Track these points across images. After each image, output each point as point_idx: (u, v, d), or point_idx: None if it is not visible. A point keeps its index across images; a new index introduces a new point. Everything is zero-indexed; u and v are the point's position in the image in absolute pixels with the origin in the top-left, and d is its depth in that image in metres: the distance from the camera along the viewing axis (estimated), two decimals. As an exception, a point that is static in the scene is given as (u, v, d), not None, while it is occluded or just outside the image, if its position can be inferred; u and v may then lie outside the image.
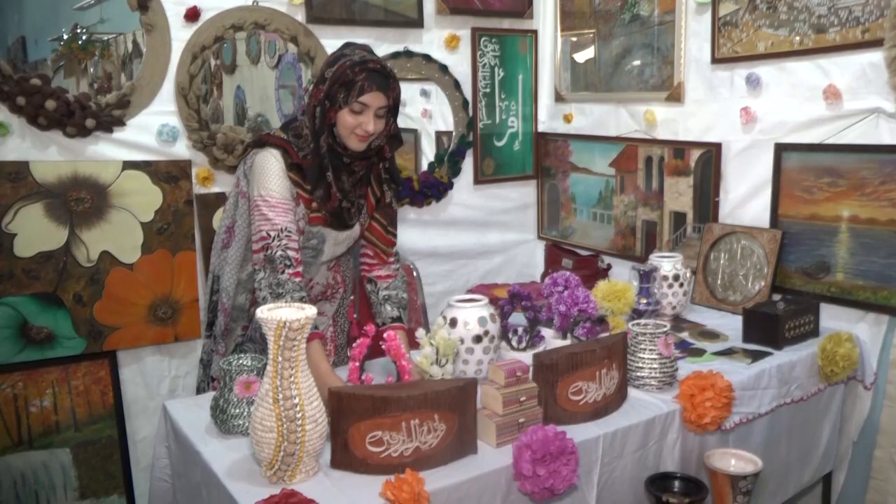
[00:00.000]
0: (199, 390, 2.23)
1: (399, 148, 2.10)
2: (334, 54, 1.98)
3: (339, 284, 2.21)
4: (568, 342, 2.00)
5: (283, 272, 1.87)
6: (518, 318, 2.04)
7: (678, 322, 2.48)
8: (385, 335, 1.74)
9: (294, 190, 1.95)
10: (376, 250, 2.18)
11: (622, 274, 3.03)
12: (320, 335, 1.95)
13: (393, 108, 1.96)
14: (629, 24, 3.04)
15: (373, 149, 1.99)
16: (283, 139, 1.96)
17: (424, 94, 3.34)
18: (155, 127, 2.63)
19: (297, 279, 1.88)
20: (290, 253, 1.88)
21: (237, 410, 1.66)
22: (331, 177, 1.95)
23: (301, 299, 1.85)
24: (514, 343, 1.99)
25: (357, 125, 1.89)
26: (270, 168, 1.93)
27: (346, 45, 2.01)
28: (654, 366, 1.92)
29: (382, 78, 1.89)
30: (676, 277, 2.45)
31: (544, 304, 2.07)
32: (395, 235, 2.19)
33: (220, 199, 2.77)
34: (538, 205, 3.62)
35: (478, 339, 1.86)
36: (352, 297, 2.30)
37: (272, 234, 1.88)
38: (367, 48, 1.99)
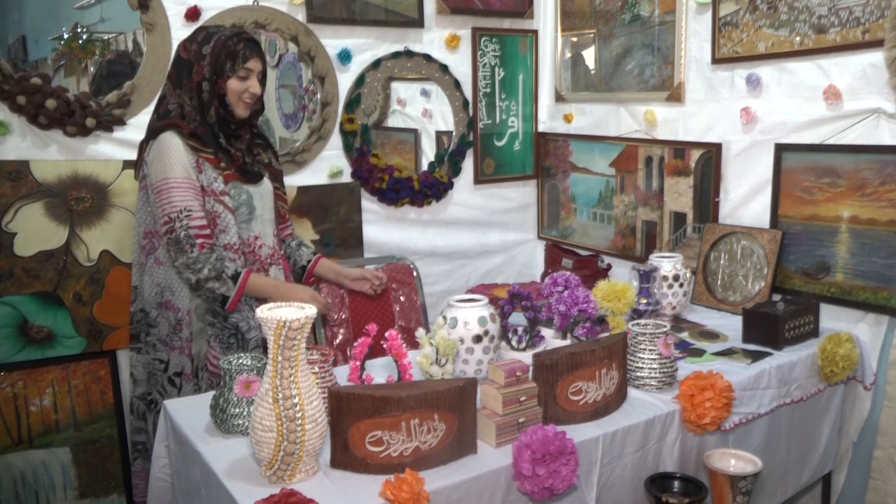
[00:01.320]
0: (133, 409, 2.25)
1: (262, 114, 2.29)
2: (199, 35, 2.14)
3: (279, 249, 2.35)
4: (568, 342, 2.00)
5: (191, 251, 2.01)
6: (518, 318, 2.04)
7: (678, 322, 2.48)
8: (387, 334, 1.75)
9: (193, 160, 2.07)
10: (282, 209, 2.38)
11: (622, 274, 3.03)
12: (250, 271, 2.10)
13: (265, 74, 2.20)
14: (629, 24, 3.04)
15: (252, 115, 2.20)
16: (168, 120, 2.10)
17: (425, 93, 3.34)
18: (155, 126, 2.63)
19: (206, 250, 2.03)
20: (192, 231, 2.02)
21: (237, 410, 1.66)
22: (224, 142, 2.14)
23: (219, 258, 2.04)
24: (513, 343, 1.99)
25: (244, 90, 2.11)
26: (167, 149, 2.05)
27: (200, 28, 2.22)
28: (654, 366, 1.93)
29: (256, 45, 2.14)
30: (676, 278, 2.45)
31: (544, 304, 2.07)
32: (283, 191, 2.39)
33: (221, 198, 2.77)
34: (538, 205, 3.62)
35: (478, 338, 1.86)
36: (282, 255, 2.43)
37: (173, 215, 2.02)
38: (221, 25, 2.23)
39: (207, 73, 2.07)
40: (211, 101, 2.09)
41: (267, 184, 2.28)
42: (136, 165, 2.23)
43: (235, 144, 2.18)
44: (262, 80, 2.18)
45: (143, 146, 2.16)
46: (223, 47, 2.08)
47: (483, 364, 1.88)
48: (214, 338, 2.14)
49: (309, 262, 2.44)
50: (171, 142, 2.06)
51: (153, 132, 2.11)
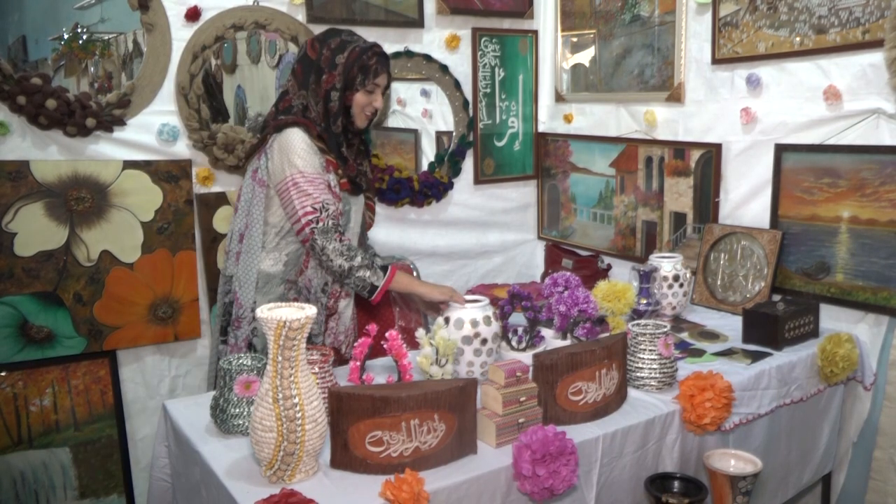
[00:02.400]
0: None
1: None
2: (332, 40, 2.14)
3: None
4: (568, 342, 2.00)
5: (340, 240, 2.03)
6: (518, 319, 2.04)
7: (678, 322, 2.48)
8: (387, 335, 1.75)
9: (322, 160, 2.10)
10: (370, 219, 2.40)
11: (622, 274, 3.03)
12: (405, 266, 2.14)
13: (388, 88, 2.23)
14: (629, 24, 3.04)
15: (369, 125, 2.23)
16: (297, 117, 2.11)
17: (425, 94, 3.34)
18: (155, 126, 2.63)
19: (351, 242, 2.08)
20: (339, 220, 2.07)
21: (237, 410, 1.66)
22: (346, 151, 2.17)
23: (369, 253, 2.16)
24: (513, 343, 1.99)
25: (369, 103, 2.14)
26: (298, 144, 2.05)
27: (333, 30, 2.17)
28: (654, 366, 1.93)
29: (387, 59, 2.18)
30: (676, 278, 2.45)
31: (544, 305, 2.07)
32: (373, 201, 2.41)
33: (221, 198, 2.77)
34: (538, 205, 3.62)
35: (478, 339, 1.86)
36: None
37: (317, 206, 2.02)
38: (353, 32, 2.22)
39: (339, 84, 2.09)
40: (339, 112, 2.11)
41: (362, 196, 2.30)
42: (248, 154, 2.22)
43: (350, 154, 2.20)
44: (385, 94, 2.22)
45: (263, 138, 2.15)
46: (357, 60, 2.09)
47: (483, 364, 1.88)
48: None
49: (385, 271, 2.20)
50: (301, 137, 2.06)
51: (278, 126, 2.09)
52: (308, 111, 2.13)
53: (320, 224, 2.01)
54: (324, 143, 2.11)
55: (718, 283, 2.67)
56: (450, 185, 3.30)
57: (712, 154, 2.73)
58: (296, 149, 2.05)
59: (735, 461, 1.80)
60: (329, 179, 2.10)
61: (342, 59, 2.09)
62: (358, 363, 1.75)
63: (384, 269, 2.07)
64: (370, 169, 2.36)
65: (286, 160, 2.05)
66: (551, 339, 2.04)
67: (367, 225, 2.39)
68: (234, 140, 2.73)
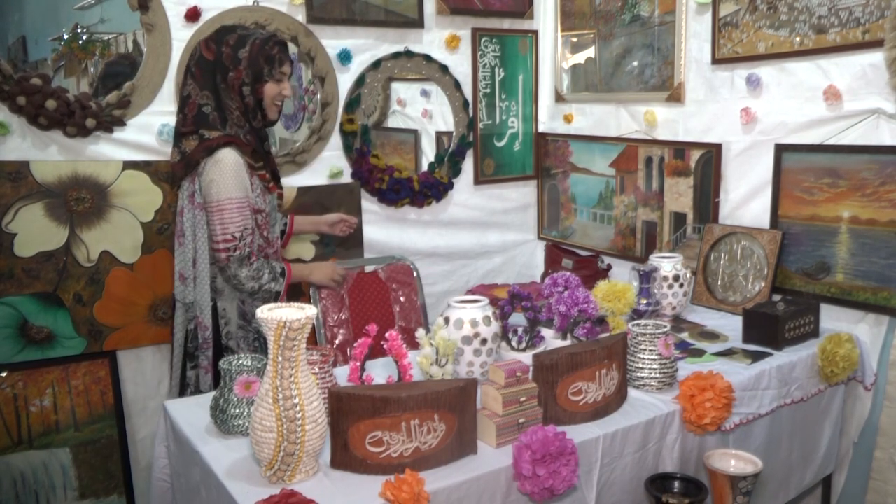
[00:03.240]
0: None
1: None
2: (227, 36, 2.14)
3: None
4: (568, 342, 2.00)
5: (252, 262, 2.15)
6: (518, 319, 2.04)
7: (678, 322, 2.48)
8: (387, 335, 1.75)
9: (248, 179, 2.14)
10: (280, 207, 2.43)
11: (622, 274, 3.03)
12: (287, 262, 2.30)
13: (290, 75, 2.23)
14: (629, 24, 3.04)
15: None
16: (226, 135, 2.12)
17: (425, 94, 3.34)
18: (155, 127, 2.63)
19: (261, 259, 2.19)
20: (254, 248, 2.16)
21: (237, 410, 1.66)
22: (268, 145, 2.25)
23: (268, 263, 2.19)
24: (514, 343, 1.99)
25: (278, 93, 2.16)
26: (230, 169, 2.08)
27: (225, 28, 2.20)
28: (654, 366, 1.92)
29: (286, 48, 2.19)
30: (676, 278, 2.45)
31: (544, 305, 2.07)
32: (280, 188, 2.39)
33: (221, 198, 2.77)
34: (538, 205, 3.62)
35: (478, 339, 1.86)
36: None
37: (237, 234, 2.10)
38: (245, 25, 2.33)
39: (247, 79, 2.10)
40: (256, 107, 2.14)
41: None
42: (180, 177, 2.17)
43: (266, 147, 2.27)
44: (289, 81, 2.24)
45: (194, 159, 2.11)
46: (260, 51, 2.10)
47: (483, 364, 1.87)
48: (242, 340, 2.24)
49: (285, 225, 2.56)
50: (233, 160, 2.09)
51: (209, 148, 2.09)
52: (223, 113, 2.13)
53: (237, 252, 2.10)
54: (253, 156, 2.15)
55: (718, 283, 2.67)
56: (450, 186, 3.30)
57: (712, 154, 2.73)
58: (227, 171, 2.08)
59: (735, 461, 1.80)
60: (251, 197, 2.15)
61: (245, 53, 2.10)
62: (358, 363, 1.75)
63: (282, 272, 2.23)
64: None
65: (216, 183, 2.08)
66: (551, 340, 2.04)
67: (278, 209, 2.41)
68: (233, 140, 2.73)
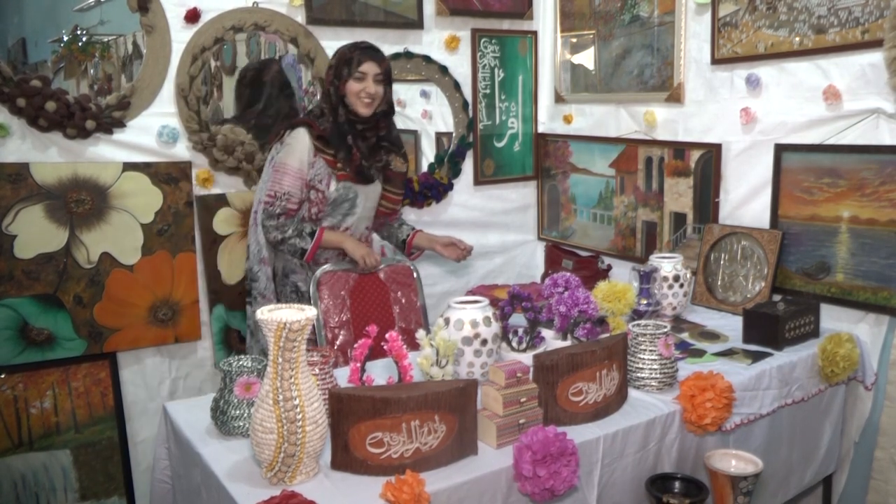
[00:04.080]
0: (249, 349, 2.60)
1: (392, 116, 2.58)
2: (336, 51, 2.52)
3: (367, 241, 2.71)
4: (568, 343, 2.00)
5: (279, 218, 2.42)
6: (518, 319, 2.04)
7: (678, 323, 2.48)
8: (387, 336, 1.75)
9: (312, 157, 2.44)
10: (387, 209, 2.69)
11: (622, 275, 3.02)
12: (323, 228, 2.49)
13: (386, 77, 2.46)
14: (629, 24, 3.04)
15: (377, 114, 2.47)
16: (306, 118, 2.50)
17: (424, 95, 3.34)
18: (155, 128, 2.63)
19: (291, 218, 2.45)
20: (287, 210, 2.43)
21: (237, 412, 1.66)
22: (350, 139, 2.45)
23: (301, 223, 2.44)
24: (514, 344, 1.99)
25: (361, 90, 2.42)
26: (295, 144, 2.44)
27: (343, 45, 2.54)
28: (655, 366, 1.92)
29: (372, 51, 2.47)
30: (677, 278, 2.45)
31: (545, 305, 2.06)
32: (397, 194, 2.68)
33: (221, 200, 2.77)
34: (538, 205, 3.62)
35: (478, 340, 1.86)
36: (381, 246, 2.89)
37: (279, 193, 2.42)
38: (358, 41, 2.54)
39: (332, 80, 2.46)
40: (338, 103, 2.44)
41: (377, 185, 2.59)
42: (271, 144, 2.56)
43: (359, 144, 2.47)
44: (384, 82, 2.46)
45: (281, 132, 2.51)
46: (341, 56, 2.45)
47: (483, 365, 1.87)
48: (280, 294, 2.56)
49: (408, 235, 2.73)
50: (300, 137, 2.44)
51: (292, 125, 2.50)
52: (322, 112, 2.47)
53: (271, 208, 2.42)
54: (323, 142, 2.44)
55: (718, 283, 2.67)
56: (450, 186, 3.30)
57: (712, 154, 2.73)
58: (293, 144, 2.44)
59: (736, 461, 1.80)
60: (310, 174, 2.45)
61: (333, 61, 2.50)
62: (358, 364, 1.75)
63: (312, 233, 2.44)
64: (400, 160, 2.62)
65: (283, 151, 2.45)
66: (552, 340, 2.04)
67: (384, 213, 2.69)
68: (233, 142, 2.73)
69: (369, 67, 2.43)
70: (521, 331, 2.01)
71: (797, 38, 2.42)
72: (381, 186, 2.62)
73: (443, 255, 2.74)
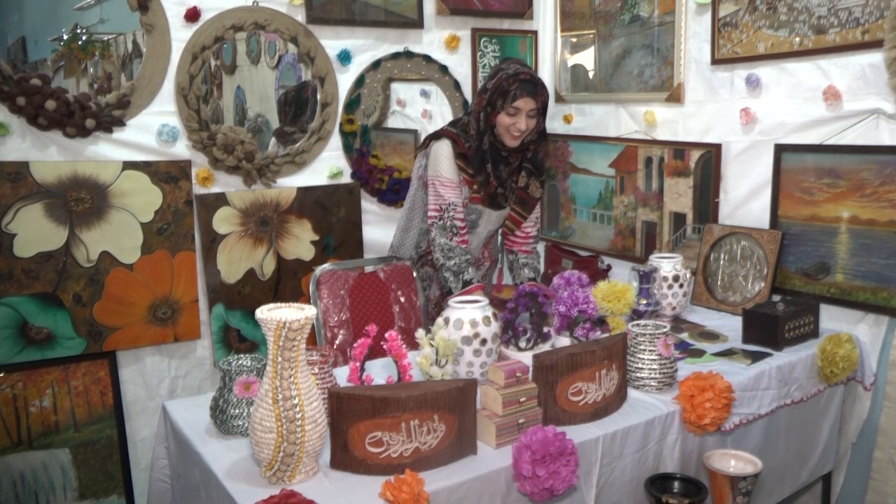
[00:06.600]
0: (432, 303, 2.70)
1: (543, 142, 2.57)
2: (494, 68, 2.48)
3: (486, 259, 2.79)
4: (569, 342, 2.00)
5: (451, 239, 2.44)
6: (523, 318, 2.04)
7: (678, 323, 2.48)
8: (387, 335, 1.75)
9: (460, 174, 2.45)
10: (516, 230, 2.66)
11: (622, 275, 3.02)
12: (481, 287, 2.45)
13: (542, 110, 2.42)
14: (629, 24, 3.04)
15: (525, 144, 2.46)
16: (453, 132, 2.49)
17: (424, 94, 3.34)
18: (155, 127, 2.63)
19: (464, 245, 2.47)
20: (457, 223, 2.45)
21: (236, 411, 1.66)
22: (490, 168, 2.46)
23: (468, 262, 2.44)
24: (520, 343, 1.99)
25: (511, 124, 2.38)
26: (443, 154, 2.45)
27: (504, 59, 2.49)
28: (654, 366, 1.92)
29: (532, 86, 2.36)
30: (676, 278, 2.45)
31: (552, 303, 2.06)
32: (524, 217, 2.64)
33: (220, 199, 2.77)
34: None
35: (478, 339, 1.86)
36: (499, 267, 2.94)
37: (443, 206, 2.44)
38: (520, 62, 2.48)
39: (484, 106, 2.40)
40: (485, 131, 2.42)
41: (504, 210, 2.60)
42: (416, 152, 2.65)
43: (500, 170, 2.49)
44: (539, 115, 2.41)
45: (426, 141, 2.56)
46: (499, 85, 2.36)
47: (483, 365, 1.87)
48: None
49: (521, 282, 2.66)
50: (446, 150, 2.45)
51: (436, 135, 2.51)
52: (468, 129, 2.47)
53: (440, 221, 2.44)
54: (464, 161, 2.45)
55: (718, 283, 2.67)
56: (449, 186, 3.30)
57: (712, 154, 2.73)
58: (440, 157, 2.45)
59: (735, 461, 1.80)
60: (462, 190, 2.47)
61: (490, 85, 2.40)
62: (357, 364, 1.75)
63: (467, 282, 2.41)
64: (537, 184, 2.59)
65: (433, 164, 2.48)
66: (559, 338, 2.04)
67: (503, 234, 2.71)
68: (233, 141, 2.73)
69: (524, 104, 2.35)
70: (527, 329, 2.01)
71: (797, 39, 2.42)
72: (508, 211, 2.61)
73: None
